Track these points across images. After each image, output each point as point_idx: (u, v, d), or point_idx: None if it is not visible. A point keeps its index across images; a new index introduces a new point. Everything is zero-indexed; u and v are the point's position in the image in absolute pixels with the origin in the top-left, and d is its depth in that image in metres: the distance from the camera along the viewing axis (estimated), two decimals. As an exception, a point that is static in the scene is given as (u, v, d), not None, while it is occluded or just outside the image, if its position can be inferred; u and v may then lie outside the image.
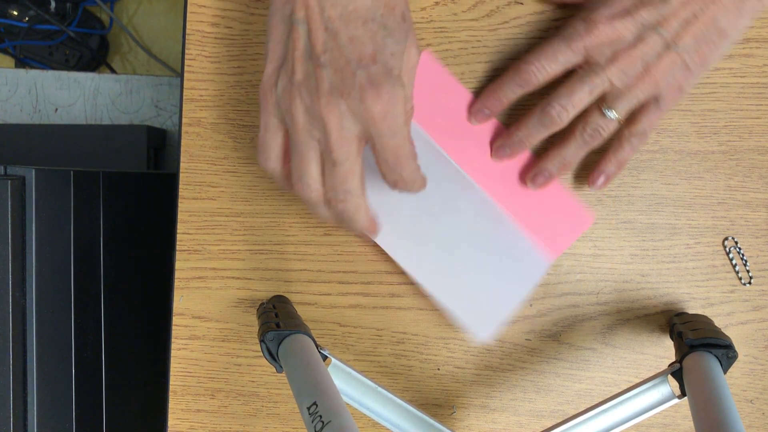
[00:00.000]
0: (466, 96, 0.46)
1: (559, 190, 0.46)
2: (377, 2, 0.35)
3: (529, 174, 0.45)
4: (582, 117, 0.42)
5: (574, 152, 0.43)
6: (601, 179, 0.45)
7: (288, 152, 0.39)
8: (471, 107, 0.46)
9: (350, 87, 0.35)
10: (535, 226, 0.46)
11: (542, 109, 0.42)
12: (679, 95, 0.41)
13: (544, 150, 0.45)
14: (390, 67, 0.35)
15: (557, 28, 0.44)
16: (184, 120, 0.48)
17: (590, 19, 0.40)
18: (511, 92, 0.43)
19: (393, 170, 0.38)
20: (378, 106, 0.35)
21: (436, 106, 0.46)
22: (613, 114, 0.41)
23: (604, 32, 0.39)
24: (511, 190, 0.46)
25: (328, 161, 0.37)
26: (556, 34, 0.41)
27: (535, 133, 0.43)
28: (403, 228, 0.46)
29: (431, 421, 0.42)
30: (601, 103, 0.41)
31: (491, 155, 0.46)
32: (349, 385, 0.42)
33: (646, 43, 0.39)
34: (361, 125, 0.36)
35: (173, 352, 0.50)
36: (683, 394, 0.40)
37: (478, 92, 0.46)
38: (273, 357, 0.41)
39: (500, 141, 0.45)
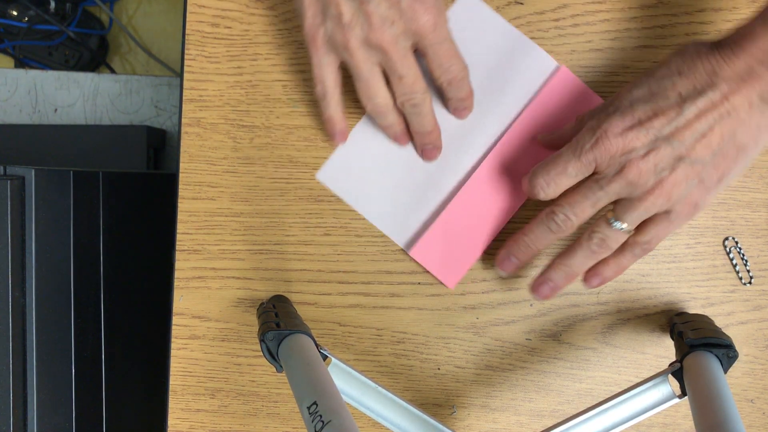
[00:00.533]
0: (594, 99, 0.46)
1: (476, 250, 0.47)
2: None
3: (534, 282, 0.44)
4: (589, 225, 0.41)
5: (581, 262, 0.42)
6: (596, 281, 0.43)
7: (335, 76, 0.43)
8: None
9: (399, 11, 0.39)
10: (434, 233, 0.47)
11: (547, 215, 0.41)
12: (693, 211, 0.39)
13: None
14: None
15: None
16: (183, 120, 0.48)
17: (602, 130, 0.38)
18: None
19: (448, 70, 0.42)
20: (429, 20, 0.39)
21: (559, 108, 0.46)
22: (620, 225, 0.40)
23: (614, 145, 0.37)
24: (474, 203, 0.46)
25: (393, 76, 0.41)
26: (568, 145, 0.40)
27: (542, 238, 0.42)
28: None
29: (431, 420, 0.42)
30: (609, 212, 0.40)
31: (496, 263, 0.45)
32: (349, 385, 0.42)
33: (658, 156, 0.37)
34: (412, 39, 0.40)
35: (173, 352, 0.50)
36: (684, 393, 0.39)
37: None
38: (273, 357, 0.41)
39: (505, 251, 0.44)
